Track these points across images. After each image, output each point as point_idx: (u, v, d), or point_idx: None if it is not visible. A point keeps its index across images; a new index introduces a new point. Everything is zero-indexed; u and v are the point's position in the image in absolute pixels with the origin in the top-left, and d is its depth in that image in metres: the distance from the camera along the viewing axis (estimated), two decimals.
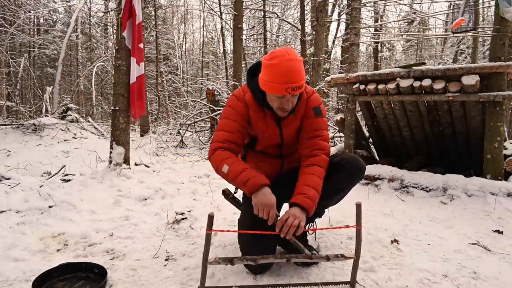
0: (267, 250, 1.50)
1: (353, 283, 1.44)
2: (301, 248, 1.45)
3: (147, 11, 13.24)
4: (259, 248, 1.48)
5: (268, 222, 1.42)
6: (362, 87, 3.45)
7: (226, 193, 1.87)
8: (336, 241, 2.01)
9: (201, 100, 8.94)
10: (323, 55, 8.79)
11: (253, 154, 1.78)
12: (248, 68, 1.65)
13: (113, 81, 3.72)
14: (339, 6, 16.10)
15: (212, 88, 7.42)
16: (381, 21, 15.02)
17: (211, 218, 1.29)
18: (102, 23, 17.43)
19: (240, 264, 1.58)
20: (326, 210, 1.83)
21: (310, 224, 1.85)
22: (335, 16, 16.22)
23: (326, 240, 2.02)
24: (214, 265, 1.55)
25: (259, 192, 1.43)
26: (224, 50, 15.75)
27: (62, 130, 6.26)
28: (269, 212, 1.41)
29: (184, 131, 7.43)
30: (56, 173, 3.77)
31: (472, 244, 1.98)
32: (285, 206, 1.86)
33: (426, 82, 3.00)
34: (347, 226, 1.54)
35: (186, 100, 10.50)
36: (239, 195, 1.80)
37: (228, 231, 1.55)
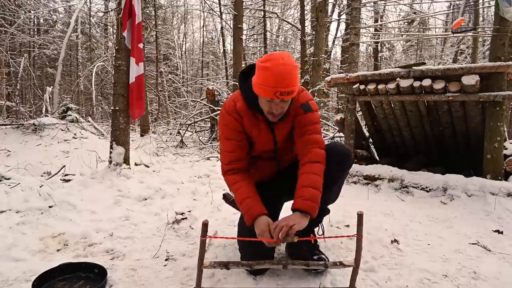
0: (266, 253, 1.49)
1: None
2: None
3: (147, 11, 13.25)
4: (258, 251, 1.48)
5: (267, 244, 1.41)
6: (362, 87, 3.45)
7: (227, 198, 1.90)
8: (336, 240, 2.00)
9: (201, 100, 8.94)
10: (323, 55, 8.79)
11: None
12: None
13: (113, 81, 3.72)
14: (339, 6, 16.13)
15: (212, 88, 7.42)
16: (381, 21, 15.02)
17: (205, 226, 1.28)
18: (102, 23, 17.43)
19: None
20: (329, 206, 1.81)
21: (319, 226, 1.84)
22: (335, 16, 16.25)
23: (327, 239, 2.01)
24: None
25: (256, 222, 1.44)
26: (224, 50, 15.77)
27: (62, 130, 6.24)
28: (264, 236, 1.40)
29: (184, 131, 7.44)
30: (56, 173, 3.77)
31: (472, 244, 1.98)
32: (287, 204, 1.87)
33: (426, 82, 3.00)
34: (348, 236, 1.53)
35: (186, 100, 10.51)
36: None
37: (222, 237, 1.56)
